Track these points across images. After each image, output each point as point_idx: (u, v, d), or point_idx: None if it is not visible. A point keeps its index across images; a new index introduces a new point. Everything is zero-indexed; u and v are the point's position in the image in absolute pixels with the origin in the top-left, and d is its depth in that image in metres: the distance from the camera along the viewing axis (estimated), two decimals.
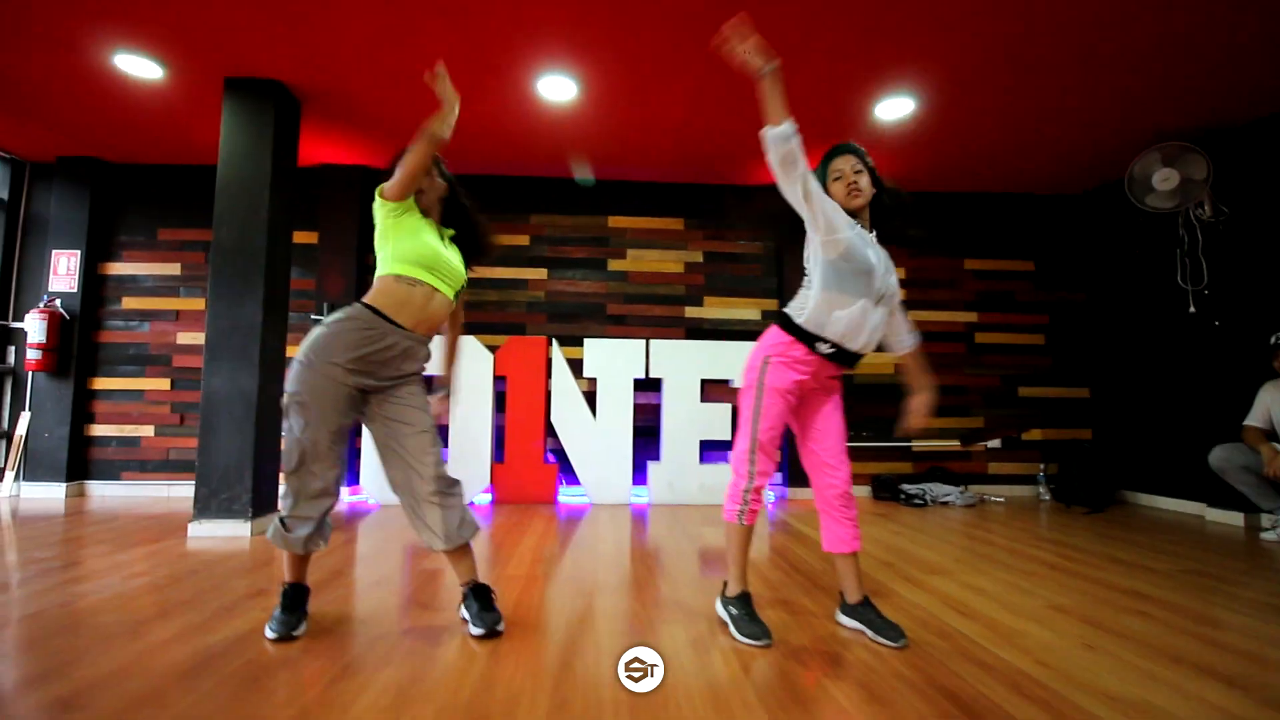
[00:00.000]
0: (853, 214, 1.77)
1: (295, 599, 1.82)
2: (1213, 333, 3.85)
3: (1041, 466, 4.69)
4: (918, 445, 4.77)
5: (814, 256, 1.76)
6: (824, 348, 1.74)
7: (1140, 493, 4.44)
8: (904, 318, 1.93)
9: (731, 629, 1.82)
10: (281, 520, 1.77)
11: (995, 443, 4.81)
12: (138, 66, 3.18)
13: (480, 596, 1.85)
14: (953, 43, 2.94)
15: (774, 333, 1.82)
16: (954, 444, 4.77)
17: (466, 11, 2.75)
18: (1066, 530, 3.49)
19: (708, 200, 4.80)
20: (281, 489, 1.83)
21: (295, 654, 1.67)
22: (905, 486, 4.46)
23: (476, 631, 1.79)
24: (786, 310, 1.82)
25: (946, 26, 2.81)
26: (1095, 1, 2.61)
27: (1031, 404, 4.89)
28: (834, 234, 1.69)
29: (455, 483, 1.85)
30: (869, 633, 1.80)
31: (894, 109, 3.55)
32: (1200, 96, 3.40)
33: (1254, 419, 3.41)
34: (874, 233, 1.82)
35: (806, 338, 1.75)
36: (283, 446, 1.66)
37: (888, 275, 1.77)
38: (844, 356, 1.77)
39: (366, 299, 1.78)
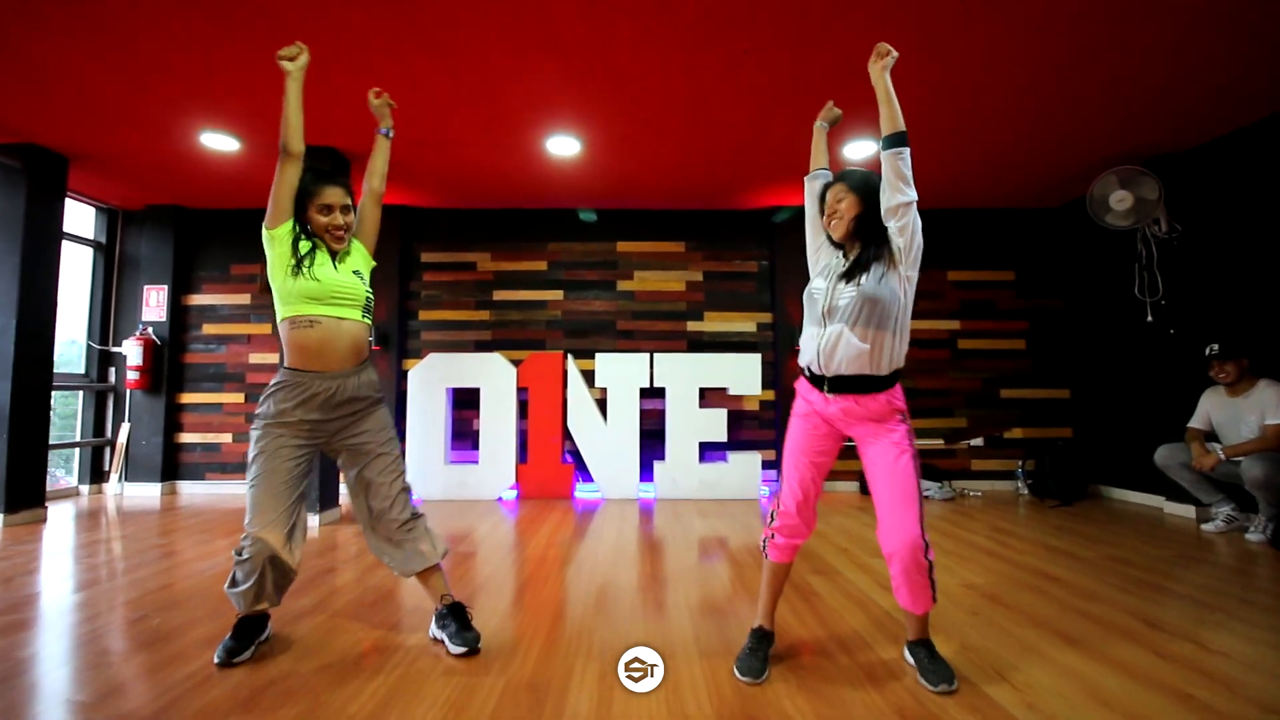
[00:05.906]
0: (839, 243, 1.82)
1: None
2: (1168, 340, 4.19)
3: (1020, 463, 5.07)
4: None
5: None
6: (807, 372, 1.82)
7: (1112, 487, 4.79)
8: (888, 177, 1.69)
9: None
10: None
11: (977, 441, 5.21)
12: (220, 142, 3.86)
13: (458, 615, 1.86)
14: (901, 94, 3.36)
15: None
16: (938, 442, 5.18)
17: (487, 92, 3.32)
18: (1023, 521, 3.91)
19: (706, 224, 5.30)
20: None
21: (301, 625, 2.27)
22: None
23: (457, 650, 1.80)
24: None
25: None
26: (1053, 48, 2.91)
27: (1013, 404, 5.25)
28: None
29: (411, 520, 1.91)
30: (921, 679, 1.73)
31: (860, 150, 4.01)
32: (1156, 123, 3.71)
33: (1195, 421, 3.76)
34: (859, 250, 1.76)
35: (803, 367, 1.85)
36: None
37: (837, 293, 1.72)
38: (821, 381, 1.75)
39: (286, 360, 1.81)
